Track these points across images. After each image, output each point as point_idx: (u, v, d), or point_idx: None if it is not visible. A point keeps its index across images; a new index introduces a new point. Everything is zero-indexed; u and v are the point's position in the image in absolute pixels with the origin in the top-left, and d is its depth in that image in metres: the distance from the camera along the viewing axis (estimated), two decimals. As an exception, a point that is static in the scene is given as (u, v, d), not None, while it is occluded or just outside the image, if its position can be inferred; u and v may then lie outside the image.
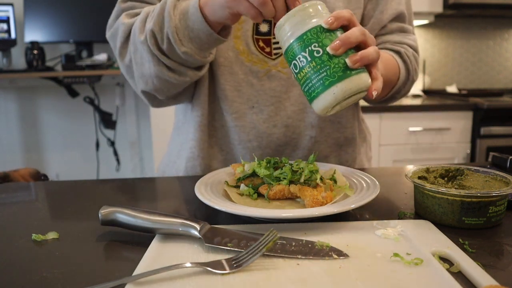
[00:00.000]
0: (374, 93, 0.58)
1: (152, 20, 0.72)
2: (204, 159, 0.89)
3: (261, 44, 0.84)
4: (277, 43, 0.84)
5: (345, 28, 0.58)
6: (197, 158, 0.89)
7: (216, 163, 0.90)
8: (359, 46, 0.58)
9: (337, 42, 0.55)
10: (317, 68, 0.56)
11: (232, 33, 0.81)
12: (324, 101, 0.57)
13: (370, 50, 0.57)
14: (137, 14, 0.80)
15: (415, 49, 0.93)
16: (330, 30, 0.57)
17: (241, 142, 0.87)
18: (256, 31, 0.83)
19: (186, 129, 0.93)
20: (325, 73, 0.56)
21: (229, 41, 0.82)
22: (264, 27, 0.84)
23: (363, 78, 0.57)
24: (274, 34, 0.83)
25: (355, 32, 0.56)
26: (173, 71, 0.76)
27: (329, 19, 0.56)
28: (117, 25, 0.81)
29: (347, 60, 0.55)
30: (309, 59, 0.56)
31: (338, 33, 0.57)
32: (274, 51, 0.84)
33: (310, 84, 0.57)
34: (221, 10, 0.64)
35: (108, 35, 0.84)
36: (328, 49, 0.55)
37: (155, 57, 0.74)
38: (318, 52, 0.56)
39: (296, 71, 0.59)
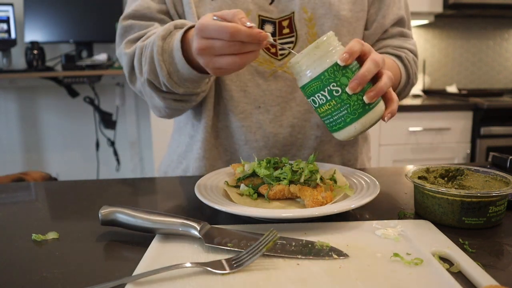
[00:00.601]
0: (387, 118, 0.62)
1: (146, 67, 0.75)
2: (209, 160, 0.89)
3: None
4: (283, 44, 0.84)
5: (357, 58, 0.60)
6: (202, 159, 0.89)
7: (220, 164, 0.90)
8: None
9: (355, 81, 0.57)
10: (337, 106, 0.60)
11: None
12: (346, 134, 0.62)
13: (384, 81, 0.60)
14: (137, 39, 0.82)
15: (415, 54, 0.95)
16: (346, 66, 0.58)
17: (247, 142, 0.88)
18: None
19: (190, 130, 0.93)
20: (345, 111, 0.59)
21: None
22: (269, 28, 0.84)
23: (380, 108, 0.62)
24: (279, 35, 0.84)
25: (370, 68, 0.58)
26: (179, 101, 0.80)
27: (344, 55, 0.57)
28: (120, 51, 0.84)
29: (365, 98, 0.59)
30: (328, 98, 0.59)
31: (353, 67, 0.59)
32: (280, 52, 0.85)
33: (332, 119, 0.61)
34: (207, 69, 0.63)
35: (116, 52, 0.88)
36: (347, 89, 0.58)
37: (160, 95, 0.79)
38: (337, 91, 0.59)
39: (316, 106, 0.61)
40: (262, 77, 0.85)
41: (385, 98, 0.62)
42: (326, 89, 0.59)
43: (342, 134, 0.62)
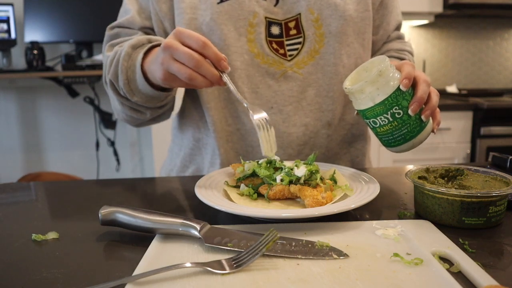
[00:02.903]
0: (436, 130, 0.70)
1: (112, 70, 0.79)
2: (219, 165, 0.89)
3: (274, 46, 0.85)
4: (291, 44, 0.85)
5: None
6: (212, 164, 0.89)
7: None
8: None
9: (416, 104, 0.64)
10: (399, 126, 0.66)
11: (245, 36, 0.83)
12: (402, 149, 0.69)
13: (435, 99, 0.68)
14: (118, 44, 0.86)
15: (412, 55, 1.02)
16: (404, 90, 0.65)
17: None
18: (269, 33, 0.84)
19: (196, 133, 0.93)
20: (405, 130, 0.66)
21: (243, 45, 0.83)
22: (275, 30, 0.84)
23: (430, 122, 0.69)
24: (286, 37, 0.85)
25: (425, 90, 0.65)
26: (134, 109, 0.84)
27: (405, 81, 0.64)
28: (103, 55, 0.88)
29: (422, 117, 0.66)
30: (391, 119, 0.66)
31: (409, 89, 0.66)
32: (289, 53, 0.85)
33: (391, 137, 0.68)
34: (157, 70, 0.68)
35: (103, 60, 0.91)
36: (409, 111, 0.65)
37: (118, 99, 0.83)
38: (399, 113, 0.65)
39: (376, 126, 0.68)
40: (273, 78, 0.86)
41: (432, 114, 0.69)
42: (389, 112, 0.65)
43: (399, 149, 0.70)
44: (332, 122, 0.90)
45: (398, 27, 1.01)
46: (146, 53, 0.75)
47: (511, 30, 3.07)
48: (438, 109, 0.70)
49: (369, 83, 0.64)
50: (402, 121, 0.65)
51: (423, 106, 0.66)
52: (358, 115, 0.73)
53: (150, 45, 0.76)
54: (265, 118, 0.65)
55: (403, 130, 0.66)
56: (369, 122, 0.68)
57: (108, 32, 0.90)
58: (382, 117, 0.65)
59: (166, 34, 0.88)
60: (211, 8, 0.82)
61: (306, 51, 0.85)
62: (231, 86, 0.65)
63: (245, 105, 0.66)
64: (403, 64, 0.68)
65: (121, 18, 0.90)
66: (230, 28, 0.82)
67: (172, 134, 1.04)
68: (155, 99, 0.80)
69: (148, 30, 0.90)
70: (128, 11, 0.89)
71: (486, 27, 3.04)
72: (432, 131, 0.70)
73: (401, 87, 0.64)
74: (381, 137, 0.69)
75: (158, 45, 0.75)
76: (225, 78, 0.65)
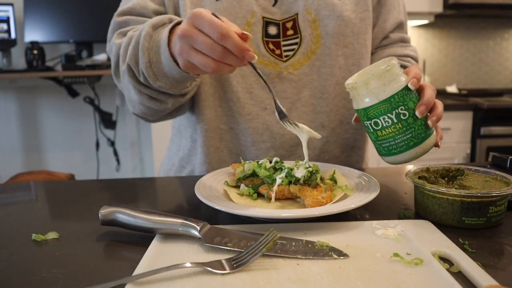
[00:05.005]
0: (440, 143, 0.68)
1: (129, 52, 0.72)
2: (213, 164, 0.89)
3: (271, 46, 0.84)
4: (288, 45, 0.84)
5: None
6: (206, 163, 0.89)
7: (226, 166, 0.90)
8: None
9: (423, 106, 0.61)
10: (403, 130, 0.61)
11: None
12: (403, 158, 0.64)
13: (440, 108, 0.65)
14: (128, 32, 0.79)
15: (416, 60, 0.98)
16: (411, 90, 0.61)
17: (254, 143, 0.88)
18: (265, 33, 0.84)
19: (193, 134, 0.93)
20: (410, 135, 0.62)
21: None
22: (273, 30, 0.84)
23: (434, 134, 0.65)
24: (283, 37, 0.84)
25: (432, 95, 0.63)
26: (154, 99, 0.77)
27: (414, 80, 0.61)
28: (111, 44, 0.82)
29: (429, 122, 0.62)
30: (395, 121, 0.61)
31: (415, 93, 0.63)
32: (285, 53, 0.85)
33: (393, 142, 0.62)
34: (177, 58, 0.63)
35: (107, 48, 0.86)
36: (417, 113, 0.61)
37: (136, 87, 0.75)
38: (404, 115, 0.61)
39: (377, 128, 0.62)
40: (268, 78, 0.85)
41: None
42: (394, 112, 0.60)
43: (400, 158, 0.64)
44: (326, 124, 0.89)
45: (399, 27, 0.96)
46: (170, 32, 0.66)
47: (511, 30, 3.07)
48: (440, 125, 0.69)
49: (376, 77, 0.60)
50: (407, 124, 0.61)
51: (428, 113, 0.63)
52: (356, 122, 0.71)
53: (174, 22, 0.67)
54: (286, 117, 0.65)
55: (407, 134, 0.61)
56: (370, 124, 0.63)
57: (116, 19, 0.83)
58: (386, 116, 0.61)
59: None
60: (211, 5, 0.81)
61: (302, 52, 0.85)
62: (258, 71, 0.62)
63: (277, 102, 0.64)
64: (410, 67, 0.65)
65: (129, 2, 0.83)
66: None
67: (172, 133, 1.03)
68: (181, 84, 0.72)
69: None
70: None
71: (486, 27, 3.04)
72: (437, 145, 0.66)
73: (409, 85, 0.60)
74: (380, 143, 0.64)
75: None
76: (254, 63, 0.60)
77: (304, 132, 0.66)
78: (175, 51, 0.61)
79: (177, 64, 0.66)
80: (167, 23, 0.71)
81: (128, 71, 0.74)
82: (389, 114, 0.61)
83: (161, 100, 0.77)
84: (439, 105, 0.66)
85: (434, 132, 0.65)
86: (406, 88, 0.61)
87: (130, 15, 0.83)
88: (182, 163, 0.96)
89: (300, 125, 0.66)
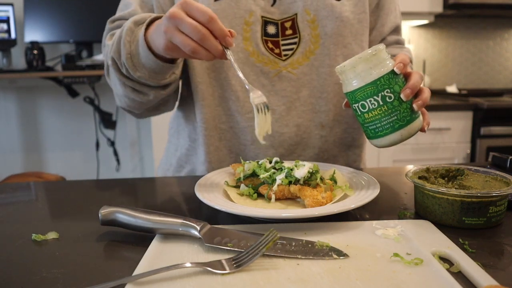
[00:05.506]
0: (426, 129, 0.69)
1: (113, 47, 0.77)
2: (213, 163, 0.89)
3: (270, 45, 0.85)
4: (286, 44, 0.85)
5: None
6: (206, 163, 0.89)
7: (225, 165, 0.90)
8: None
9: (408, 90, 0.63)
10: (388, 112, 0.63)
11: (241, 35, 0.83)
12: (389, 141, 0.65)
13: (427, 94, 0.67)
14: None
15: (411, 61, 0.99)
16: (397, 75, 0.63)
17: (254, 142, 0.88)
18: (265, 32, 0.84)
19: (192, 133, 0.93)
20: (395, 117, 0.64)
21: (238, 43, 0.83)
22: (271, 29, 0.84)
23: (420, 118, 0.67)
24: (282, 36, 0.84)
25: (418, 79, 0.65)
26: (137, 91, 0.81)
27: (400, 64, 0.63)
28: (104, 46, 0.86)
29: (414, 105, 0.64)
30: (381, 103, 0.63)
31: (402, 78, 0.65)
32: (284, 52, 0.85)
33: (379, 125, 0.64)
34: (159, 38, 0.66)
35: (102, 53, 0.89)
36: (402, 95, 0.63)
37: (120, 80, 0.80)
38: (390, 97, 0.63)
39: (364, 110, 0.65)
40: (267, 77, 0.86)
41: (421, 110, 0.69)
42: (380, 94, 0.62)
43: (386, 140, 0.66)
44: (325, 123, 0.89)
45: (396, 30, 0.99)
46: (148, 25, 0.72)
47: (511, 30, 3.07)
48: (427, 112, 0.70)
49: (363, 60, 0.63)
50: (393, 107, 0.63)
51: (413, 98, 0.65)
52: (347, 106, 0.71)
53: (153, 16, 0.73)
54: (265, 102, 0.64)
55: (392, 116, 0.63)
56: (358, 106, 0.65)
57: (109, 25, 0.88)
58: (372, 99, 0.63)
59: None
60: (208, 5, 0.82)
61: (301, 52, 0.85)
62: (235, 64, 0.64)
63: (247, 86, 0.65)
64: (399, 53, 0.68)
65: (122, 11, 0.88)
66: (226, 25, 0.81)
67: (169, 134, 1.04)
68: (159, 75, 0.77)
69: None
70: (129, 4, 0.87)
71: (486, 27, 3.04)
72: (423, 130, 0.68)
73: (395, 69, 0.63)
74: (368, 126, 0.66)
75: (161, 17, 0.71)
76: (229, 54, 0.63)
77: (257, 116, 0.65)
78: (160, 30, 0.65)
79: (154, 54, 0.71)
80: (147, 18, 0.75)
81: (112, 64, 0.79)
82: (375, 97, 0.63)
83: (143, 92, 0.81)
84: (426, 90, 0.67)
85: (420, 117, 0.67)
86: (392, 72, 0.63)
87: (122, 20, 0.87)
88: (181, 162, 0.96)
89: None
